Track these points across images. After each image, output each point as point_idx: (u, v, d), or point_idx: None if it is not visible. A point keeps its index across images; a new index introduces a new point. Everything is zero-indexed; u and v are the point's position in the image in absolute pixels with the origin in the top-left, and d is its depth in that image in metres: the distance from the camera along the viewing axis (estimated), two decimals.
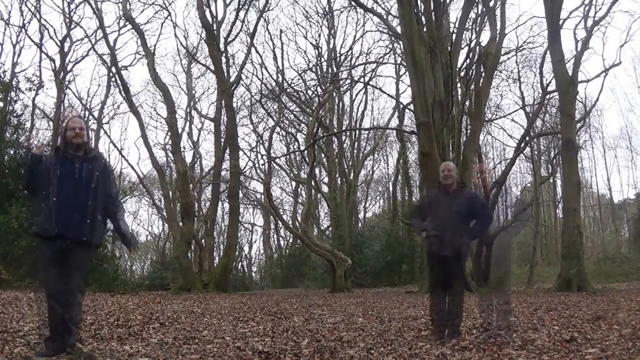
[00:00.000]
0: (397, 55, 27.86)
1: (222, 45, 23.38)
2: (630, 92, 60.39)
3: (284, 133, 33.23)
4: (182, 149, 26.76)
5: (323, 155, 30.49)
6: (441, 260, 5.27)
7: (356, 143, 32.64)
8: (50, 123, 27.17)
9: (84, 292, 4.51)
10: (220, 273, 20.76)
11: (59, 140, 4.42)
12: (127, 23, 24.58)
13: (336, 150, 30.13)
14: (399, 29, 18.71)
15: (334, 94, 28.87)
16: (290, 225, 29.64)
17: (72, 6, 26.91)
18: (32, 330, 5.37)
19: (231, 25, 24.08)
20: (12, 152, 17.61)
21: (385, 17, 22.65)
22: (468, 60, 21.91)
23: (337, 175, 30.09)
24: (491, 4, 20.60)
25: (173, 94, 25.97)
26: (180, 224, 21.31)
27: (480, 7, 21.34)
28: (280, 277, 35.38)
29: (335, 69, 29.10)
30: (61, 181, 4.13)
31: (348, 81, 28.80)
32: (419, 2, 18.71)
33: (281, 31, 28.05)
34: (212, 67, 24.14)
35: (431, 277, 5.54)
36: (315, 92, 27.35)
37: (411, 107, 21.14)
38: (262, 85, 27.64)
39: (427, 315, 6.73)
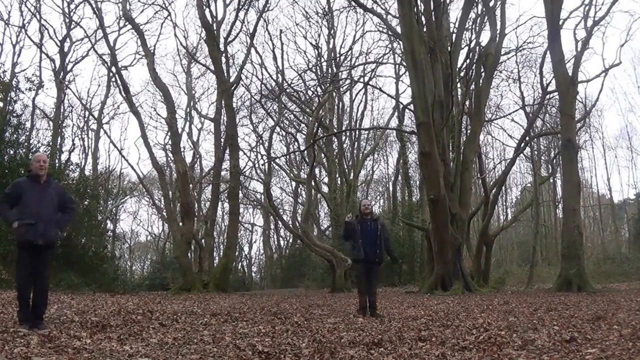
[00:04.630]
0: (397, 55, 27.91)
1: (222, 45, 23.37)
2: (630, 92, 60.52)
3: (284, 133, 33.25)
4: (182, 149, 26.76)
5: (323, 155, 30.47)
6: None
7: (356, 143, 32.63)
8: (50, 123, 27.18)
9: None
10: (220, 273, 20.74)
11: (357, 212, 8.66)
12: (127, 23, 24.60)
13: (336, 150, 30.13)
14: (399, 29, 18.71)
15: (334, 94, 28.87)
16: (290, 225, 29.63)
17: (72, 6, 27.00)
18: (32, 330, 5.37)
19: (231, 25, 24.08)
20: (12, 152, 17.55)
21: (385, 17, 22.67)
22: (468, 60, 21.91)
23: (337, 175, 30.09)
24: (491, 4, 20.62)
25: (173, 94, 25.99)
26: (180, 224, 21.29)
27: (480, 7, 21.36)
28: (280, 277, 35.37)
29: (335, 69, 29.10)
30: (363, 232, 8.02)
31: (348, 81, 28.82)
32: (419, 2, 18.70)
33: (281, 31, 28.08)
34: (212, 67, 24.12)
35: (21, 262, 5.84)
36: (315, 92, 27.36)
37: (411, 107, 21.14)
38: (262, 85, 27.66)
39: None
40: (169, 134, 26.85)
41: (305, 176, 25.97)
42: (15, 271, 5.78)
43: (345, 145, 31.80)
